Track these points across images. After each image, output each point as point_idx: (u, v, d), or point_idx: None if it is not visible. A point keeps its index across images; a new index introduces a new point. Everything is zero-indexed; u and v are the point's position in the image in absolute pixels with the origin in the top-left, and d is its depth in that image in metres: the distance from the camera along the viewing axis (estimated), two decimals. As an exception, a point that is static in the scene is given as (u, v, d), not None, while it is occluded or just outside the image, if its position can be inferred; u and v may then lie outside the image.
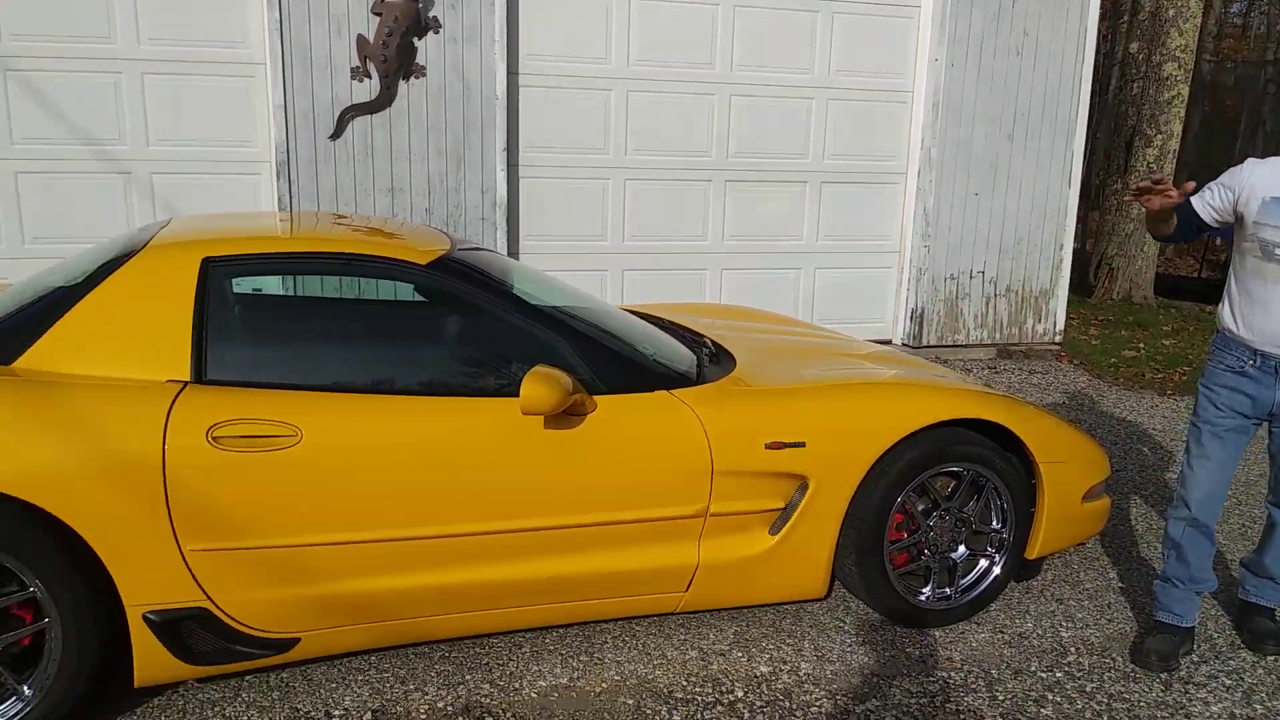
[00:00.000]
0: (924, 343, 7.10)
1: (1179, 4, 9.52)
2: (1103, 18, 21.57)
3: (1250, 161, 2.95)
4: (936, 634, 3.18)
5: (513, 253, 6.35)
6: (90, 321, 2.66)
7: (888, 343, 7.18)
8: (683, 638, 3.12)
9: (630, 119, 6.47)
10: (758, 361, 3.41)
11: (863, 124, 6.93)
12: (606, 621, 3.18)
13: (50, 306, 2.70)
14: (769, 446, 2.96)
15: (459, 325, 3.09)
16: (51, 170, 5.63)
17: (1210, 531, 3.06)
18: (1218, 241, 12.37)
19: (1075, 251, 12.91)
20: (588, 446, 2.81)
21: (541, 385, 2.64)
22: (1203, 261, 13.73)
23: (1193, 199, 2.99)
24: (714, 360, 3.40)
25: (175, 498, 2.48)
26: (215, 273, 2.79)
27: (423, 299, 3.27)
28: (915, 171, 6.94)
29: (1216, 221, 3.00)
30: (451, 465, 2.70)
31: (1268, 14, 23.89)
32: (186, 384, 2.60)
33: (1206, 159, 14.39)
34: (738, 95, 6.63)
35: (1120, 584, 3.61)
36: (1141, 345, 7.83)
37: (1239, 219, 2.92)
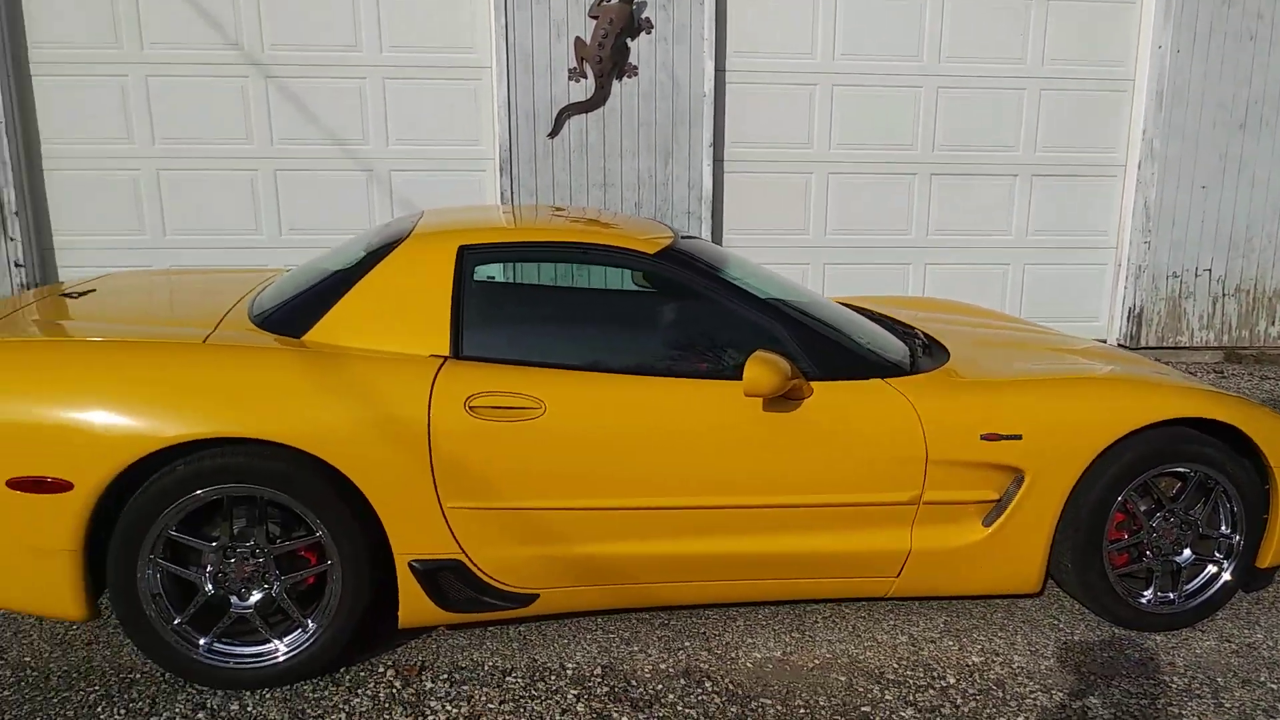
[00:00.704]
0: (1142, 343, 6.80)
1: None
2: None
3: None
4: (1157, 638, 3.13)
5: (717, 244, 6.52)
6: (364, 302, 3.01)
7: (1103, 342, 6.91)
8: (892, 623, 3.20)
9: (835, 113, 6.51)
10: (971, 354, 3.44)
11: (1077, 115, 6.69)
12: (816, 602, 3.31)
13: (330, 288, 3.07)
14: (984, 438, 3.01)
15: (684, 311, 3.28)
16: (305, 168, 6.24)
17: None
18: None
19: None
20: (804, 430, 2.95)
21: (763, 368, 2.79)
22: None
23: None
24: (926, 352, 3.45)
25: (438, 459, 2.79)
26: (469, 259, 3.09)
27: (644, 285, 3.48)
28: (1136, 164, 6.64)
29: None
30: (677, 441, 2.89)
31: None
32: (446, 359, 2.91)
33: None
34: (945, 87, 6.55)
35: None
36: (1391, 352, 7.19)
37: None
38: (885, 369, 3.14)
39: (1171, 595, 3.17)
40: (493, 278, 3.88)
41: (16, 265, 5.99)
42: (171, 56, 6.02)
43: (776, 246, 6.61)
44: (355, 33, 6.12)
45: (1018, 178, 6.72)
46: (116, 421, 2.62)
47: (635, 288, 3.64)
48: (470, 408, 2.81)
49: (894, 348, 3.37)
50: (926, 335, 3.66)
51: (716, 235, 6.52)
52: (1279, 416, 3.23)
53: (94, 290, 3.62)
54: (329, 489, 2.73)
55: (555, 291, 3.71)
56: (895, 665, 2.96)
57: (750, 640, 3.08)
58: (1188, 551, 3.17)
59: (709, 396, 2.95)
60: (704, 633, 3.12)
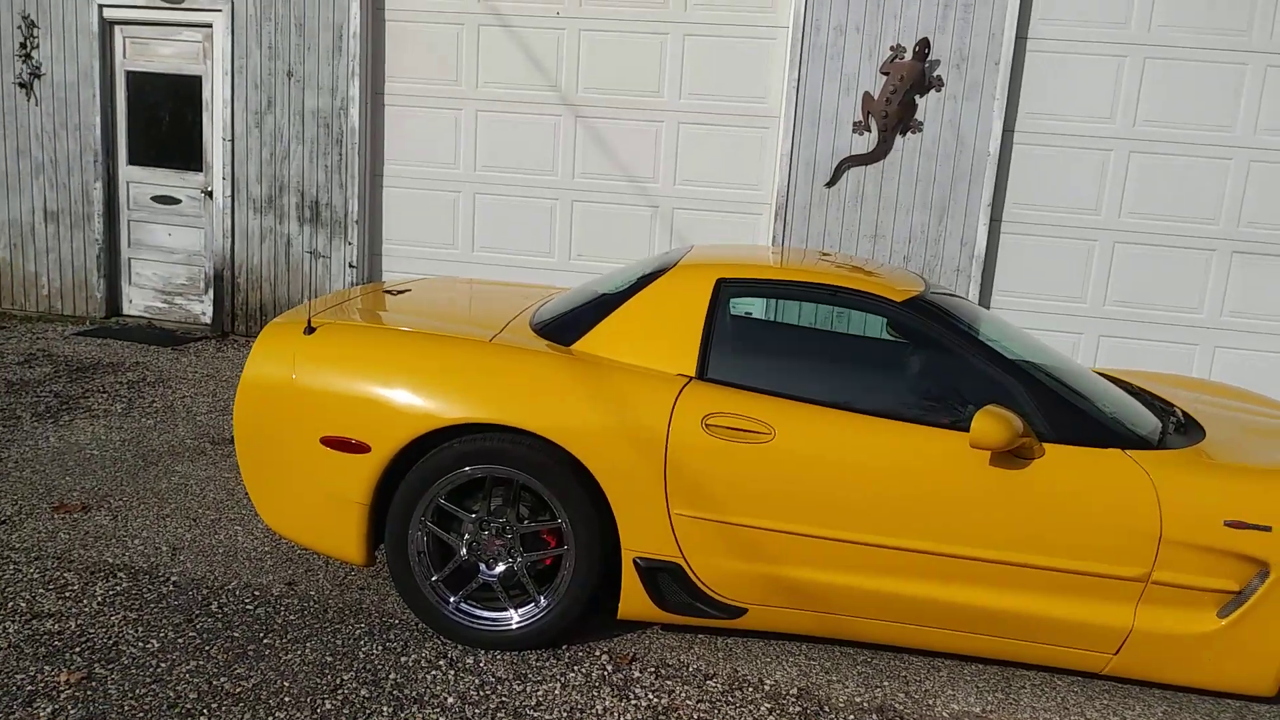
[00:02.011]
0: None
1: None
2: None
3: None
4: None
5: (985, 305, 6.44)
6: (627, 320, 3.36)
7: None
8: (1105, 702, 3.11)
9: (1130, 180, 6.25)
10: (1230, 437, 3.28)
11: None
12: (1028, 667, 3.26)
13: (600, 306, 3.45)
14: (1229, 524, 2.87)
15: (923, 360, 3.39)
16: (598, 200, 6.84)
17: None
18: None
19: None
20: (1030, 489, 2.95)
21: (992, 422, 2.84)
22: None
23: None
24: (1180, 430, 3.32)
25: (671, 468, 3.07)
26: (725, 291, 3.37)
27: (894, 334, 3.60)
28: None
29: None
30: (898, 483, 3.00)
31: None
32: (691, 379, 3.19)
33: None
34: (1259, 160, 6.10)
35: None
36: None
37: None
38: (1128, 440, 3.07)
39: None
40: (750, 313, 4.14)
41: (350, 266, 7.00)
42: (499, 95, 6.82)
43: (1049, 312, 6.41)
44: (659, 80, 6.65)
45: (1339, 263, 6.12)
46: (411, 399, 3.11)
47: (885, 335, 3.76)
48: (706, 425, 3.07)
49: (1144, 421, 3.28)
50: (1185, 414, 3.51)
51: (986, 294, 6.43)
52: None
53: (409, 290, 4.24)
54: (574, 481, 3.08)
55: (801, 330, 3.92)
56: (1101, 743, 2.88)
57: (950, 691, 3.11)
58: None
59: (935, 443, 3.03)
60: (904, 675, 3.18)
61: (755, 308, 4.20)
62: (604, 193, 6.82)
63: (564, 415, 3.08)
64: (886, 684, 3.13)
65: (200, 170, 7.23)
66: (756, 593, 3.13)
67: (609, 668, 3.10)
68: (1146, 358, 6.34)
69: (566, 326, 3.44)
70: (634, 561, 3.13)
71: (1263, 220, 6.16)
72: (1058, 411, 3.09)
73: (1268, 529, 2.86)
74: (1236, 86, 6.08)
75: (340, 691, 2.86)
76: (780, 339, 3.88)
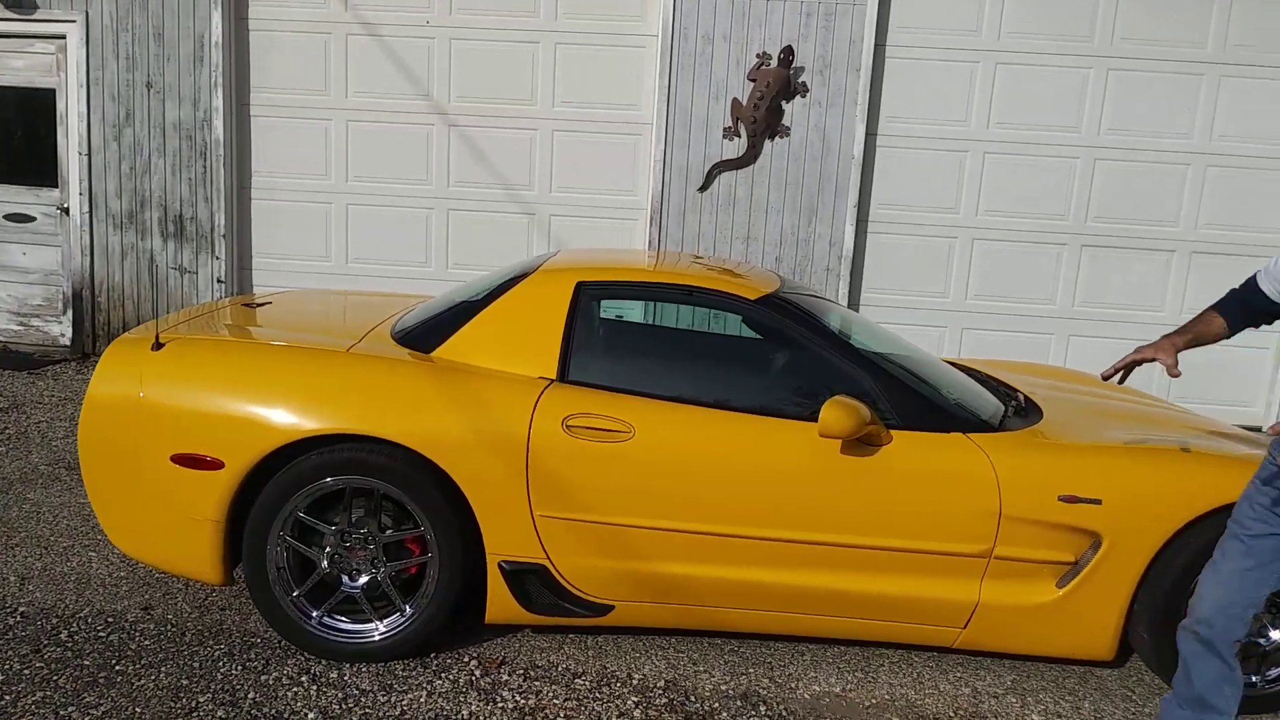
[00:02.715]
0: (1305, 435, 6.39)
1: None
2: None
3: None
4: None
5: (854, 303, 6.64)
6: (489, 325, 3.36)
7: (1257, 430, 6.55)
8: (958, 674, 3.24)
9: (985, 180, 6.54)
10: (1065, 418, 3.46)
11: (1247, 194, 6.44)
12: (886, 646, 3.38)
13: (460, 313, 3.45)
14: (1062, 499, 3.04)
15: (776, 355, 3.49)
16: (474, 209, 6.81)
17: (1224, 651, 2.60)
18: None
19: None
20: (879, 475, 3.07)
21: (839, 411, 2.95)
22: None
23: (1258, 275, 2.67)
24: (1020, 413, 3.50)
25: (533, 471, 3.08)
26: (585, 294, 3.40)
27: (749, 331, 3.70)
28: (1310, 247, 6.32)
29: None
30: (754, 474, 3.08)
31: None
32: (552, 381, 3.22)
33: None
34: (1103, 159, 6.46)
35: None
36: None
37: None
38: (970, 424, 3.22)
39: (1253, 678, 3.07)
40: (621, 315, 4.19)
41: (219, 281, 6.81)
42: (370, 105, 6.74)
43: (914, 308, 6.66)
44: (532, 88, 6.67)
45: (1176, 254, 6.52)
46: (265, 413, 3.05)
47: (738, 332, 3.86)
48: (567, 426, 3.09)
49: (987, 406, 3.44)
50: (1026, 397, 3.69)
51: (855, 293, 6.64)
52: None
53: (269, 303, 4.16)
54: (436, 489, 3.07)
55: (661, 330, 3.99)
56: (952, 715, 3.00)
57: (813, 674, 3.20)
58: (1276, 634, 3.06)
59: (789, 435, 3.12)
60: (769, 661, 3.26)
61: (631, 310, 4.25)
62: (480, 201, 6.80)
63: (423, 422, 3.06)
64: (752, 671, 3.20)
65: (56, 186, 6.94)
66: (622, 590, 3.17)
67: (477, 673, 3.09)
68: (1007, 348, 6.63)
69: (427, 334, 3.42)
70: (499, 565, 3.13)
71: (1108, 215, 6.51)
72: (904, 399, 3.21)
73: (1098, 502, 3.03)
74: (1080, 89, 6.43)
75: (195, 714, 2.79)
76: (642, 340, 3.94)
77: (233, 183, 6.79)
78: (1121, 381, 2.98)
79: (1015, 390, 3.80)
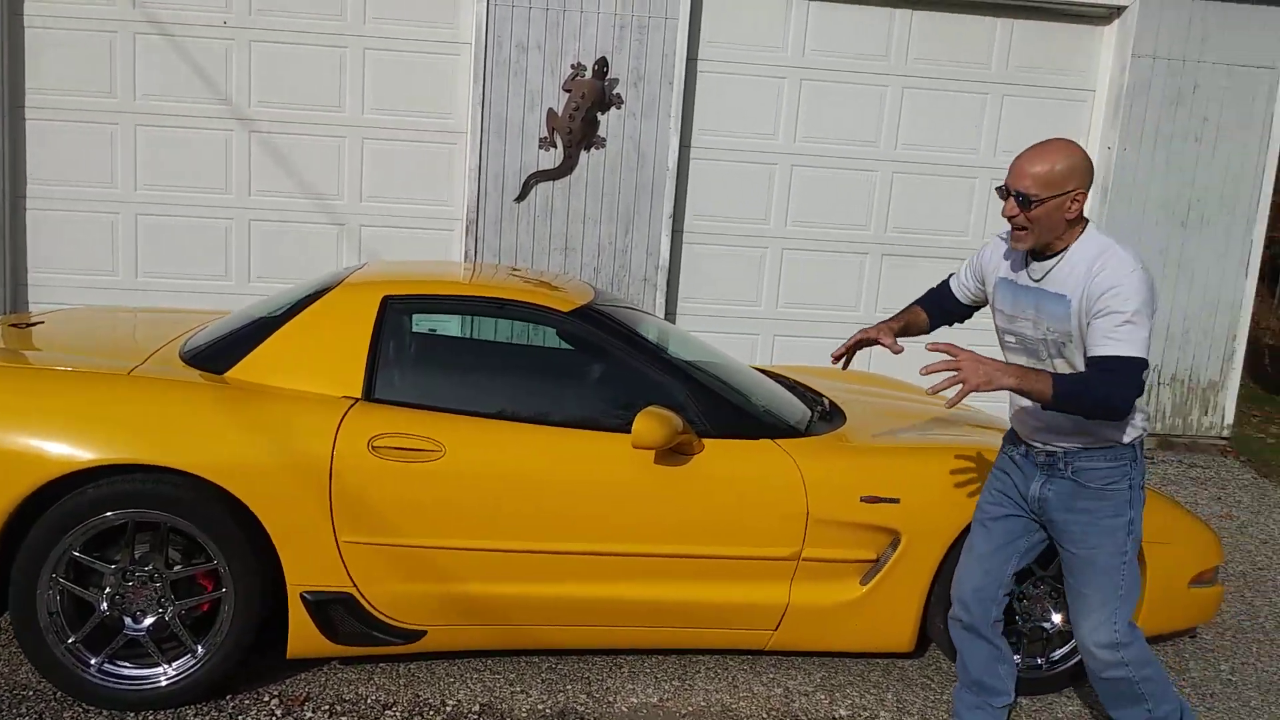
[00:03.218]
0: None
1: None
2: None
3: (993, 237, 2.75)
4: (1023, 701, 3.23)
5: (670, 312, 6.74)
6: (288, 343, 3.19)
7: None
8: (772, 675, 3.32)
9: (793, 192, 6.78)
10: (868, 421, 3.61)
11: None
12: (703, 652, 3.42)
13: (257, 330, 3.27)
14: (864, 500, 3.16)
15: (589, 367, 3.47)
16: (279, 220, 6.49)
17: (986, 632, 2.80)
18: None
19: (1277, 347, 12.06)
20: (691, 483, 3.10)
21: (651, 422, 2.96)
22: None
23: (951, 278, 2.90)
24: (826, 417, 3.62)
25: (337, 495, 2.94)
26: (393, 309, 3.28)
27: (563, 342, 3.67)
28: (1081, 254, 6.87)
29: (971, 300, 2.86)
30: (568, 489, 3.05)
31: None
32: (357, 400, 3.08)
33: None
34: (900, 172, 6.82)
35: (1229, 676, 3.53)
36: (1328, 448, 7.35)
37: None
38: (778, 430, 3.30)
39: (1039, 661, 3.28)
40: (435, 329, 4.07)
41: (-10, 299, 6.22)
42: (161, 108, 6.31)
43: (729, 316, 6.82)
44: (339, 94, 6.42)
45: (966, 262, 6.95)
46: (31, 444, 2.78)
47: (552, 344, 3.82)
48: (373, 447, 2.97)
49: (794, 412, 3.54)
50: (831, 402, 3.83)
51: (671, 302, 6.74)
52: (1153, 496, 3.36)
53: (42, 322, 3.81)
54: (229, 518, 2.88)
55: (472, 344, 3.91)
56: (765, 716, 3.06)
57: (630, 686, 3.19)
58: (1058, 617, 3.29)
59: (602, 447, 3.11)
60: (587, 677, 3.23)
61: (447, 324, 4.14)
62: (285, 211, 6.49)
63: (215, 449, 2.87)
64: (570, 688, 3.17)
65: None
66: (435, 614, 3.07)
67: (278, 712, 2.92)
68: (816, 354, 6.87)
69: (220, 353, 3.22)
70: (301, 597, 2.97)
71: (906, 225, 6.88)
72: (715, 408, 3.26)
73: (896, 501, 3.17)
74: (879, 106, 6.76)
75: (-49, 783, 2.50)
76: (454, 355, 3.85)
77: (5, 191, 6.22)
78: (846, 365, 3.04)
79: (820, 395, 3.93)
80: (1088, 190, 2.45)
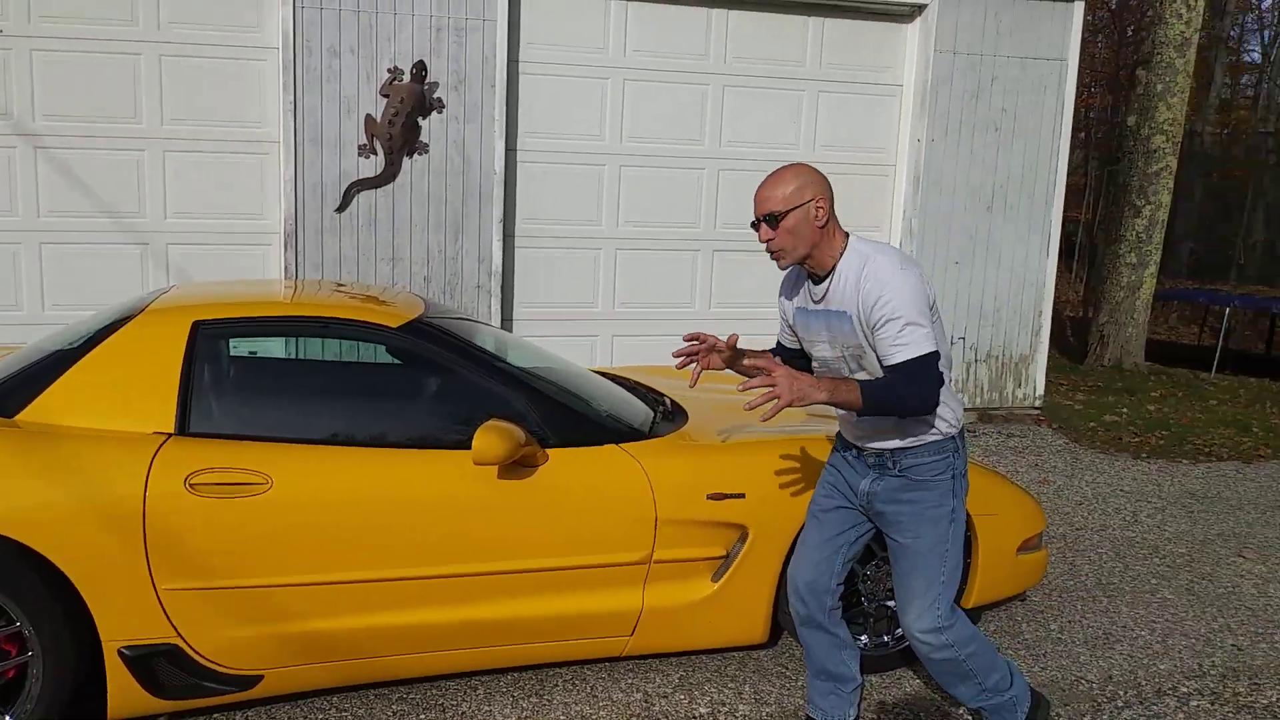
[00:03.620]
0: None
1: (1167, 79, 9.81)
2: (1110, 90, 21.90)
3: (785, 273, 2.83)
4: (872, 679, 3.33)
5: (507, 319, 6.64)
6: (88, 378, 2.93)
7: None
8: (630, 681, 3.29)
9: (623, 192, 6.79)
10: (709, 419, 3.63)
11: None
12: (559, 666, 3.36)
13: (52, 365, 2.98)
14: (710, 497, 3.17)
15: (424, 383, 3.35)
16: (74, 241, 6.01)
17: (824, 622, 2.86)
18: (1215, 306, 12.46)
19: (1077, 319, 13.07)
20: (538, 496, 3.03)
21: (492, 437, 2.87)
22: (1202, 328, 13.83)
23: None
24: (668, 417, 3.62)
25: (153, 540, 2.72)
26: (204, 335, 3.06)
27: (395, 359, 3.53)
28: (898, 242, 7.20)
29: (793, 342, 2.86)
30: (409, 512, 2.92)
31: (1270, 85, 24.23)
32: (170, 435, 2.86)
33: (1212, 228, 14.57)
34: (726, 169, 6.95)
35: (1059, 635, 3.75)
36: (1125, 410, 7.96)
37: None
38: (622, 434, 3.27)
39: (886, 638, 3.39)
40: (255, 353, 3.84)
41: None
42: (-75, 125, 5.73)
43: (567, 319, 6.78)
44: (135, 105, 5.99)
45: (794, 254, 7.15)
46: None
47: (383, 361, 3.68)
48: (190, 485, 2.76)
49: (637, 414, 3.52)
50: (674, 402, 3.84)
51: (508, 308, 6.64)
52: (980, 470, 3.53)
53: None
54: (32, 575, 2.62)
55: (296, 366, 3.71)
56: (627, 724, 3.04)
57: (488, 708, 3.10)
58: (899, 598, 3.40)
59: (443, 466, 2.99)
60: (442, 703, 3.12)
61: (271, 347, 3.91)
62: (81, 232, 6.01)
63: (7, 500, 2.60)
64: (424, 716, 3.04)
65: None
66: (270, 657, 2.88)
67: (101, 781, 2.68)
68: (655, 352, 6.91)
69: (8, 393, 2.92)
70: (119, 653, 2.73)
71: (734, 222, 7.01)
72: (557, 416, 3.20)
73: (742, 496, 3.20)
74: (701, 104, 6.86)
75: None
76: (278, 380, 3.64)
77: None
78: (690, 372, 2.95)
79: (662, 395, 3.93)
80: (828, 198, 2.55)
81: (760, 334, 7.02)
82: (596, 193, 6.76)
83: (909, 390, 2.43)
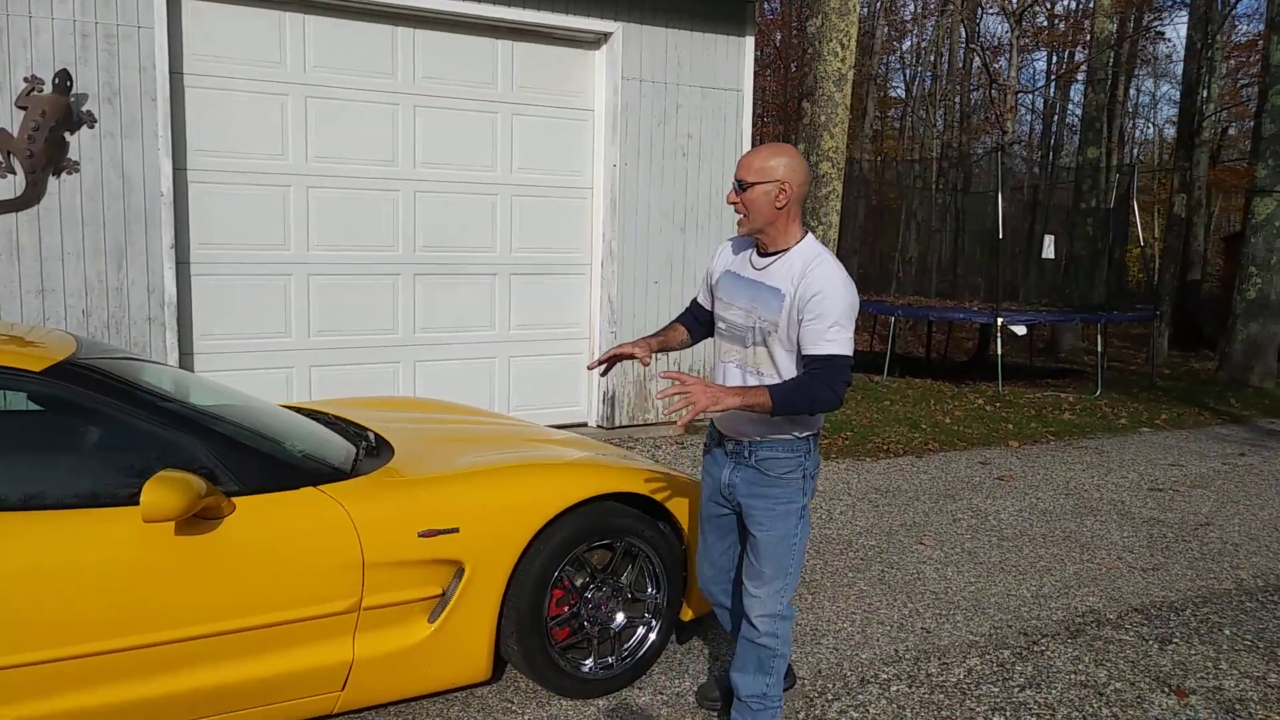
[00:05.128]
0: (617, 423, 7.41)
1: (829, 111, 10.75)
2: (782, 120, 23.84)
3: (726, 241, 3.03)
4: (600, 702, 3.29)
5: (187, 353, 6.03)
6: None
7: (583, 426, 7.43)
8: (344, 741, 3.03)
9: (312, 215, 6.40)
10: (417, 452, 3.45)
11: (547, 219, 7.24)
12: (263, 735, 3.02)
13: None
14: (422, 535, 2.99)
15: (82, 433, 2.91)
16: None
17: (736, 606, 3.08)
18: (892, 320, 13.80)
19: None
20: (225, 550, 2.71)
21: (164, 490, 2.53)
22: (872, 335, 15.32)
23: (698, 293, 3.16)
24: (372, 453, 3.39)
25: None
26: None
27: (42, 408, 3.05)
28: (599, 262, 7.33)
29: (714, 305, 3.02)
30: (68, 583, 2.51)
31: (913, 118, 27.56)
32: None
33: (874, 243, 16.21)
34: (422, 191, 6.75)
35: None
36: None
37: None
38: (321, 475, 3.01)
39: (611, 660, 3.36)
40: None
41: None
42: None
43: (257, 351, 6.27)
44: None
45: (497, 276, 7.08)
46: None
47: (31, 409, 3.17)
48: None
49: (337, 452, 3.27)
50: (378, 435, 3.61)
51: (186, 342, 6.03)
52: (690, 481, 3.61)
53: None
54: None
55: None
56: (341, 790, 2.78)
57: (176, 798, 2.72)
58: (621, 616, 3.39)
59: (108, 527, 2.61)
60: (118, 801, 2.70)
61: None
62: None
63: None
64: (97, 821, 2.62)
65: None
66: (-114, 777, 2.36)
67: None
68: (358, 383, 6.58)
69: None
70: None
71: (435, 244, 6.82)
72: (243, 461, 2.89)
73: (456, 530, 3.04)
74: (392, 125, 6.61)
75: None
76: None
77: None
78: (605, 373, 3.11)
79: (365, 429, 3.68)
80: (794, 189, 2.72)
81: (466, 358, 6.91)
82: (283, 215, 6.32)
83: (823, 385, 2.63)
